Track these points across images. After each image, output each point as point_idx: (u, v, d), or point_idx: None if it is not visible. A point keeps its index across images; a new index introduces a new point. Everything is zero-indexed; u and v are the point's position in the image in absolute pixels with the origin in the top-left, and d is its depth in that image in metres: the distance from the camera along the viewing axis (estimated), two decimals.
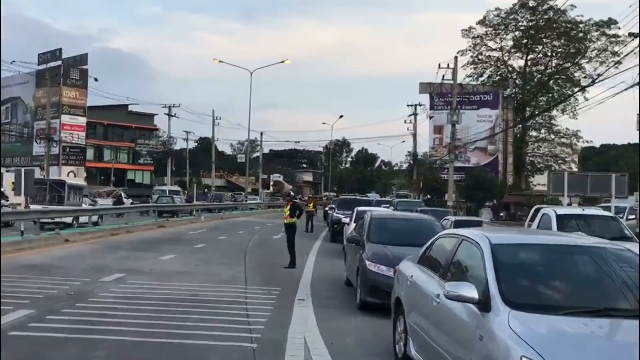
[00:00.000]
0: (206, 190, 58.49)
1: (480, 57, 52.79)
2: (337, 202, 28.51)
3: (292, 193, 15.56)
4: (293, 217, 14.32)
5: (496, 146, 49.81)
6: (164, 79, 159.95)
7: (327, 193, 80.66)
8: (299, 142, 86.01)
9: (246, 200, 58.43)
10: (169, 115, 59.02)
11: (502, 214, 42.46)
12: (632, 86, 20.67)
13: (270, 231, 26.14)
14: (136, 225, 25.47)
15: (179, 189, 51.91)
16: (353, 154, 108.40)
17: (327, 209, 38.26)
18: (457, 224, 16.06)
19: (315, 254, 17.35)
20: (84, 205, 25.36)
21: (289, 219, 14.41)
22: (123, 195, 40.79)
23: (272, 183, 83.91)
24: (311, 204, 28.51)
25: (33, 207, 20.89)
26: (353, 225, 15.54)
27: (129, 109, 69.75)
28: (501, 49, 52.65)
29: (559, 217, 12.39)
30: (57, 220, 21.01)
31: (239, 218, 39.78)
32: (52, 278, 10.65)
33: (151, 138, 73.55)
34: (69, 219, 21.71)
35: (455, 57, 38.34)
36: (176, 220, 31.19)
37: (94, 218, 24.76)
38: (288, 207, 14.62)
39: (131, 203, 37.36)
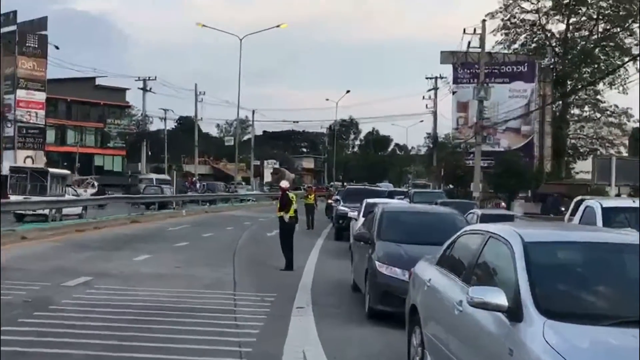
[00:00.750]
0: (195, 179, 58.71)
1: (512, 20, 52.65)
2: (343, 193, 28.54)
3: (285, 182, 15.54)
4: (285, 209, 14.45)
5: (531, 127, 49.70)
6: (137, 47, 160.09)
7: (334, 183, 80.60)
8: (297, 122, 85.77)
9: (236, 191, 58.66)
10: (144, 90, 59.15)
11: (537, 207, 42.51)
12: None
13: (264, 227, 26.22)
14: (105, 221, 25.56)
15: (168, 178, 52.51)
16: (362, 136, 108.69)
17: (330, 201, 38.37)
18: (484, 219, 16.10)
19: (317, 254, 17.45)
20: (67, 196, 27.30)
21: (278, 212, 14.65)
22: (96, 184, 40.93)
23: (272, 171, 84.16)
24: (311, 196, 28.55)
25: (13, 197, 22.56)
26: (361, 220, 15.57)
27: (97, 83, 69.68)
28: (538, 10, 52.48)
29: (605, 211, 12.35)
30: (38, 212, 22.74)
31: (227, 212, 39.89)
32: (6, 282, 10.69)
33: (123, 117, 73.61)
34: (47, 211, 23.38)
35: (483, 21, 38.21)
36: (152, 214, 31.30)
37: (77, 210, 26.38)
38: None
39: (93, 195, 37.42)
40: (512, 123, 46.01)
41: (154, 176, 55.73)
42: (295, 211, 14.80)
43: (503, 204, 39.05)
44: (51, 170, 28.12)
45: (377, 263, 9.27)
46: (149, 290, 10.69)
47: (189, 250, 17.47)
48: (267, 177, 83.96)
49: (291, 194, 14.99)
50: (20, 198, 22.74)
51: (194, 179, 59.71)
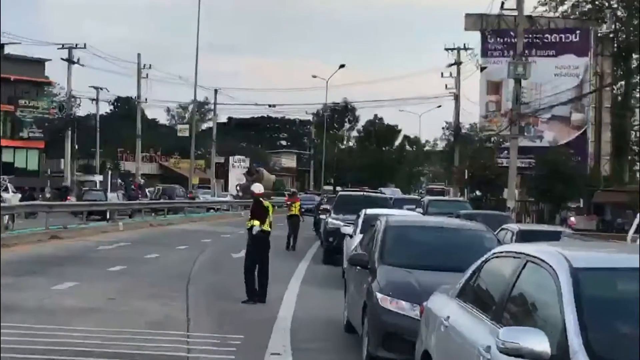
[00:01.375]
0: (141, 181, 58.76)
1: None
2: (334, 200, 28.52)
3: (257, 186, 15.43)
4: (259, 219, 14.49)
5: (584, 115, 49.94)
6: (62, 5, 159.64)
7: (328, 187, 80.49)
8: (274, 106, 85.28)
9: (198, 197, 58.73)
10: (69, 61, 58.72)
11: (592, 222, 42.75)
12: None
13: (229, 246, 26.20)
14: (16, 236, 25.46)
15: (120, 181, 53.05)
16: (360, 125, 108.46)
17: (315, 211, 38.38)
18: (522, 237, 16.11)
19: (298, 283, 17.48)
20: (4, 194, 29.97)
21: (248, 222, 14.78)
22: (10, 187, 40.52)
23: (245, 172, 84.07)
24: (296, 205, 28.58)
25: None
26: (358, 237, 15.58)
27: (6, 52, 69.28)
28: None
29: None
30: None
31: (179, 225, 39.84)
32: None
33: (41, 97, 73.03)
34: None
35: None
36: (79, 228, 31.21)
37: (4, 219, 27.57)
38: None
39: (20, 200, 37.28)
40: (559, 110, 46.30)
41: (96, 178, 56.37)
42: (271, 224, 14.84)
43: (572, 218, 39.00)
44: None
45: (378, 295, 9.28)
46: (73, 330, 10.65)
47: (127, 276, 17.47)
48: (234, 179, 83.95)
49: (266, 202, 15.02)
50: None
51: (140, 181, 59.67)
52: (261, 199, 14.95)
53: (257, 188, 15.38)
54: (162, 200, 50.86)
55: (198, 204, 55.00)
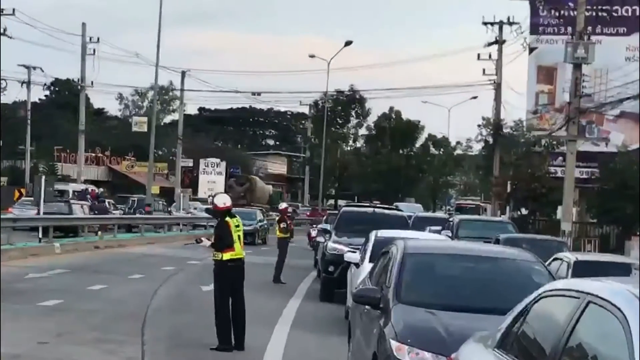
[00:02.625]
0: (97, 190, 58.99)
1: None
2: (336, 218, 28.53)
3: (222, 198, 15.34)
4: (225, 246, 14.57)
5: None
6: None
7: (343, 202, 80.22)
8: (259, 94, 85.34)
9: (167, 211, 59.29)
10: None
11: None
12: None
13: (197, 276, 26.25)
14: None
15: (84, 187, 53.59)
16: (371, 120, 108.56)
17: (313, 233, 38.48)
18: (581, 269, 16.11)
19: (287, 326, 17.44)
20: None
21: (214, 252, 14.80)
22: None
23: (233, 179, 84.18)
24: (287, 226, 28.67)
25: None
26: (367, 267, 15.55)
27: None
28: None
29: None
30: None
31: (134, 248, 39.84)
32: None
33: None
34: None
35: None
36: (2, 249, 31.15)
37: None
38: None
39: None
40: (630, 105, 46.31)
41: (70, 187, 58.78)
42: (242, 246, 14.81)
43: None
44: None
45: (393, 343, 9.25)
46: None
47: (64, 313, 17.45)
48: (205, 188, 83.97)
49: (234, 220, 14.91)
50: None
51: (96, 190, 59.78)
52: (227, 217, 14.81)
53: (221, 200, 15.21)
54: (144, 216, 52.46)
55: (155, 221, 55.08)
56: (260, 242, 48.86)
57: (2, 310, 17.15)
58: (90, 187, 61.54)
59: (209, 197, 76.48)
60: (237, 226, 14.73)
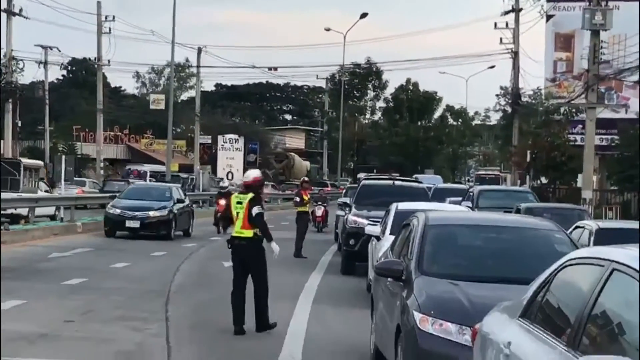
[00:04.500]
0: (141, 169, 60.01)
1: None
2: (356, 191, 28.53)
3: (255, 177, 14.94)
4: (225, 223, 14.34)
5: None
6: None
7: (362, 175, 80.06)
8: (276, 69, 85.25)
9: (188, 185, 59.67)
10: (8, 12, 58.81)
11: None
12: None
13: (218, 252, 26.11)
14: None
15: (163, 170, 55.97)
16: (388, 93, 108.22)
17: (318, 212, 38.36)
18: (603, 237, 16.02)
19: (309, 302, 17.41)
20: (39, 192, 37.76)
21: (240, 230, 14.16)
22: None
23: (274, 157, 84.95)
24: (305, 200, 28.67)
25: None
26: (388, 240, 15.55)
27: None
28: None
29: None
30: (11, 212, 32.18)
31: None
32: None
33: None
34: (24, 211, 34.13)
35: None
36: (24, 229, 31.31)
37: (50, 210, 37.32)
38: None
39: None
40: None
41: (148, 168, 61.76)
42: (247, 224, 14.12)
43: None
44: (24, 161, 40.29)
45: (416, 315, 9.26)
46: None
47: (88, 292, 17.49)
48: (224, 164, 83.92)
49: (239, 196, 14.45)
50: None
51: (140, 169, 60.41)
52: (259, 190, 14.57)
53: (253, 175, 14.78)
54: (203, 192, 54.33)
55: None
56: (180, 233, 33.62)
57: (28, 289, 17.34)
58: (140, 168, 62.44)
59: (227, 174, 76.62)
60: (239, 203, 14.11)
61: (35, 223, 33.49)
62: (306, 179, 32.87)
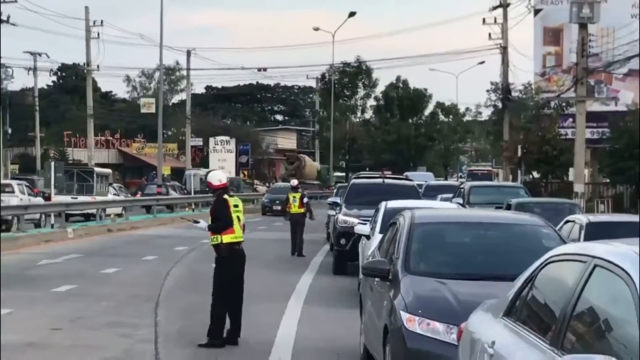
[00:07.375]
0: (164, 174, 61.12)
1: None
2: (346, 190, 28.49)
3: (217, 175, 14.00)
4: (217, 230, 13.26)
5: None
6: None
7: (364, 173, 79.84)
8: (265, 69, 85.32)
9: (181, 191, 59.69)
10: None
11: None
12: None
13: (209, 255, 26.09)
14: None
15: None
16: (378, 91, 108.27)
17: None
18: (594, 231, 15.99)
19: (301, 302, 17.47)
20: (109, 195, 47.66)
21: (213, 237, 13.42)
22: None
23: (284, 158, 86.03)
24: (297, 200, 28.66)
25: (59, 198, 39.48)
26: (377, 239, 15.51)
27: None
28: None
29: None
30: (85, 212, 41.91)
31: (144, 230, 39.96)
32: None
33: None
34: (93, 210, 41.97)
35: None
36: (14, 236, 31.22)
37: (117, 210, 45.32)
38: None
39: None
40: (638, 62, 46.11)
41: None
42: (244, 227, 13.79)
43: None
44: (96, 169, 49.20)
45: (403, 314, 9.25)
46: None
47: (77, 299, 17.49)
48: (216, 167, 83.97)
49: (233, 198, 13.77)
50: (67, 198, 40.59)
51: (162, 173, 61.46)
52: (225, 195, 13.54)
53: (216, 177, 13.83)
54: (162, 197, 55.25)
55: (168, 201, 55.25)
56: None
57: (16, 297, 17.29)
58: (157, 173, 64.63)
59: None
60: (236, 206, 13.48)
61: (24, 230, 33.37)
62: (295, 181, 32.65)
